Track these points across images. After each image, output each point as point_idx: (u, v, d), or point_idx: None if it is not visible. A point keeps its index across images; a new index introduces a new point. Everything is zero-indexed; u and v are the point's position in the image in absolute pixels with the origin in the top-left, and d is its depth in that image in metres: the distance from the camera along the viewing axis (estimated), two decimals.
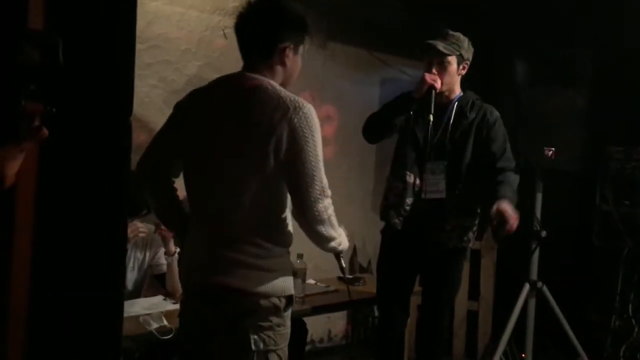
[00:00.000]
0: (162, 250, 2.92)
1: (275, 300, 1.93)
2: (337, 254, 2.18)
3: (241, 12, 1.95)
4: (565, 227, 3.97)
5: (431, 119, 2.77)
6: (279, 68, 1.95)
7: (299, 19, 1.97)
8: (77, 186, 1.43)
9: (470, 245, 2.99)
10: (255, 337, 1.89)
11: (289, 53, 1.94)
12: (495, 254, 4.08)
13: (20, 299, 1.35)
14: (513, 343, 3.70)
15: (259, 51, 1.94)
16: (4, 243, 1.33)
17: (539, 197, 3.69)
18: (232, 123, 1.87)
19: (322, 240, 2.00)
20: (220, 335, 1.91)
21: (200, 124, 1.92)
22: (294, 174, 1.88)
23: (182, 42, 3.33)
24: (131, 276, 2.86)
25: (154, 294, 2.89)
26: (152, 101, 3.24)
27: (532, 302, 3.66)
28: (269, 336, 1.91)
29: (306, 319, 3.32)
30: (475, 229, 2.96)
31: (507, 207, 2.67)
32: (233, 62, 3.48)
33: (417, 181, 2.86)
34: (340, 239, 2.06)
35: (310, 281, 3.42)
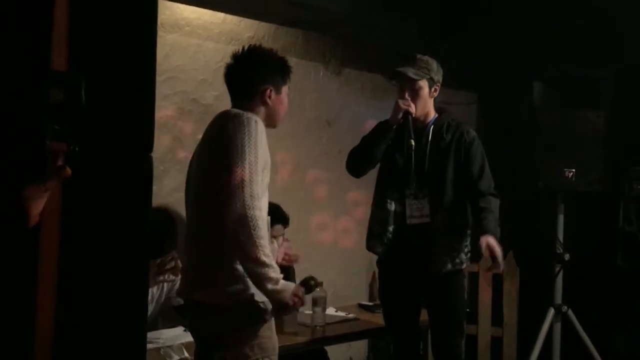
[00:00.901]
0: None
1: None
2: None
3: (227, 64, 2.26)
4: (589, 249, 3.90)
5: (412, 143, 2.78)
6: (261, 108, 2.21)
7: (277, 64, 2.24)
8: (100, 224, 1.43)
9: (464, 266, 2.95)
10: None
11: (271, 94, 2.20)
12: (518, 278, 4.01)
13: (45, 338, 1.34)
14: None
15: (243, 94, 2.22)
16: (29, 283, 1.33)
17: (561, 219, 3.64)
18: (202, 149, 2.18)
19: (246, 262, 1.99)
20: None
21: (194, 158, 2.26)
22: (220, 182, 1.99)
23: (199, 73, 3.36)
24: (149, 309, 2.84)
25: (173, 326, 2.86)
26: (169, 132, 3.25)
27: (558, 327, 3.59)
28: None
29: (327, 348, 3.29)
30: (467, 250, 2.91)
31: (493, 243, 2.69)
32: None
33: (399, 208, 2.85)
34: (275, 265, 1.97)
35: (331, 309, 3.38)
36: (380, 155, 2.89)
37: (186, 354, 2.55)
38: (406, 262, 2.84)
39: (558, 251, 3.61)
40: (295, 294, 1.97)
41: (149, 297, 2.84)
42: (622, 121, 3.70)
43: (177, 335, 2.73)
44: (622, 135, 3.73)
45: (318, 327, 3.04)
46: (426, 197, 2.82)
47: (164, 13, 3.17)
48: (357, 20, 3.65)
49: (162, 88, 3.16)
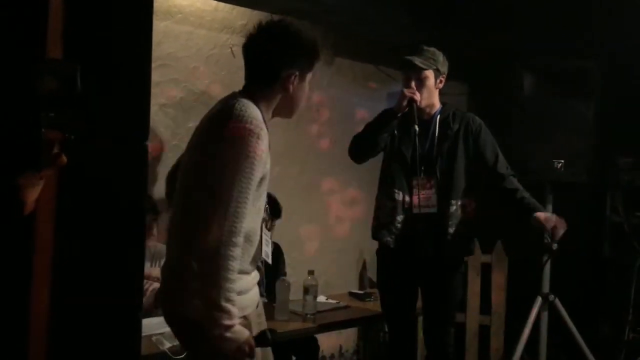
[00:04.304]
0: None
1: None
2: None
3: (251, 33, 1.89)
4: (577, 239, 3.94)
5: (417, 129, 2.80)
6: (279, 95, 1.89)
7: (309, 46, 1.90)
8: (96, 210, 1.44)
9: (473, 254, 3.01)
10: None
11: (294, 80, 1.88)
12: (507, 267, 4.06)
13: (40, 326, 1.35)
14: (526, 357, 3.67)
15: (263, 75, 1.88)
16: (24, 269, 1.34)
17: (549, 209, 3.67)
18: (193, 143, 1.83)
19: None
20: None
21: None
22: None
23: (191, 61, 3.35)
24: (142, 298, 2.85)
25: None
26: (161, 119, 3.25)
27: (545, 316, 3.63)
28: None
29: (317, 336, 3.32)
30: (474, 240, 2.97)
31: (550, 216, 2.84)
32: (241, 79, 3.53)
33: (407, 198, 2.87)
34: (234, 310, 1.68)
35: (321, 298, 3.41)
36: (383, 143, 2.89)
37: (177, 342, 2.56)
38: (409, 250, 2.87)
39: (546, 241, 3.65)
40: (240, 348, 1.71)
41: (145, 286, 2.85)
42: (611, 112, 3.74)
43: None
44: (610, 126, 3.77)
45: (309, 315, 3.07)
46: (434, 187, 2.84)
47: (156, 0, 3.16)
48: (349, 11, 3.65)
49: (153, 75, 3.11)
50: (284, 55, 1.86)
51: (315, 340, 3.40)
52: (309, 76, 1.93)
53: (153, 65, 3.17)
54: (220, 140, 1.71)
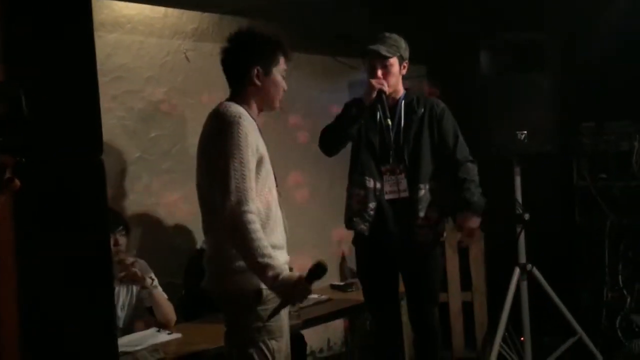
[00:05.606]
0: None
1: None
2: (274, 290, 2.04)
3: (222, 47, 2.24)
4: (548, 208, 4.01)
5: (389, 123, 2.81)
6: (251, 89, 2.20)
7: (265, 43, 2.20)
8: (55, 231, 1.41)
9: (444, 238, 3.04)
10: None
11: (259, 74, 2.18)
12: (483, 242, 4.10)
13: (10, 346, 1.32)
14: (511, 328, 3.72)
15: (233, 77, 2.23)
16: None
17: (518, 180, 3.72)
18: (199, 149, 2.21)
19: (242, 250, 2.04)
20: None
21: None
22: (212, 179, 2.09)
23: (145, 70, 3.30)
24: (121, 314, 2.81)
25: (149, 327, 2.84)
26: (121, 133, 3.20)
27: (524, 285, 3.68)
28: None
29: (304, 331, 3.31)
30: (445, 220, 3.00)
31: (469, 223, 2.89)
32: (198, 84, 3.51)
33: (378, 185, 2.89)
34: (273, 262, 1.99)
35: None
36: (354, 133, 2.90)
37: (162, 354, 2.54)
38: (389, 237, 2.88)
39: (518, 212, 3.70)
40: (296, 288, 1.99)
41: (120, 303, 2.81)
42: (568, 81, 3.79)
43: (151, 336, 2.71)
44: (569, 93, 3.83)
45: (292, 312, 3.06)
46: (403, 173, 2.85)
47: (102, 12, 3.10)
48: (303, 4, 3.63)
49: (108, 89, 3.10)
50: (244, 53, 2.19)
51: (302, 337, 3.39)
52: (275, 69, 2.21)
53: (107, 78, 3.14)
54: (214, 138, 2.09)
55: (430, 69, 4.58)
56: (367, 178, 2.90)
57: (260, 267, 1.97)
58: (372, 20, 3.89)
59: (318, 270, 2.00)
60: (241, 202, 1.98)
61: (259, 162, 2.11)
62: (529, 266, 3.66)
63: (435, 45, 4.26)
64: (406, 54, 2.92)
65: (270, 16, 3.70)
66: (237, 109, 2.12)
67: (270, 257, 1.98)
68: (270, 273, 1.97)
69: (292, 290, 2.00)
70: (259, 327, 2.10)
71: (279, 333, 2.16)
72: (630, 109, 3.79)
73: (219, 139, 2.06)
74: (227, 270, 2.10)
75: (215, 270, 2.18)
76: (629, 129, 3.84)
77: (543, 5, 3.90)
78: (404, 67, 2.93)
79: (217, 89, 3.62)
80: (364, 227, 2.90)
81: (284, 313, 2.18)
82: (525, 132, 3.55)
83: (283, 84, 2.26)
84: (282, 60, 2.23)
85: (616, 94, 3.76)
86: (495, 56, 3.65)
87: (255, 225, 1.99)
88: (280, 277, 1.97)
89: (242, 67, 2.18)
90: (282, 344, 2.17)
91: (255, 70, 2.17)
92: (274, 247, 2.08)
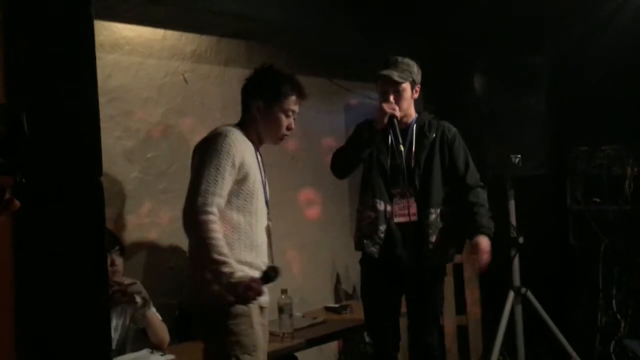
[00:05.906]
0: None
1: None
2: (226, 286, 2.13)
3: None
4: (542, 230, 4.02)
5: (402, 149, 2.82)
6: (252, 121, 2.37)
7: (273, 81, 2.38)
8: (54, 252, 1.41)
9: (454, 261, 3.05)
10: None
11: (259, 109, 2.36)
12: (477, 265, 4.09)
13: None
14: (505, 353, 3.71)
15: (242, 105, 2.44)
16: None
17: (512, 204, 3.75)
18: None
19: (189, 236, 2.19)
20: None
21: None
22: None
23: (143, 91, 3.32)
24: (114, 335, 2.79)
25: (141, 348, 2.82)
26: (119, 152, 3.21)
27: (519, 309, 3.69)
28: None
29: (298, 353, 3.30)
30: (455, 244, 3.00)
31: (484, 244, 2.84)
32: (195, 105, 3.53)
33: (388, 208, 2.89)
34: (229, 260, 2.09)
35: (297, 314, 3.40)
36: (365, 157, 2.92)
37: None
38: (393, 259, 2.88)
39: (512, 235, 3.72)
40: (248, 286, 2.07)
41: (113, 325, 2.79)
42: (562, 104, 3.83)
43: (145, 357, 2.69)
44: (562, 117, 3.87)
45: (286, 334, 3.05)
46: (413, 196, 2.86)
47: (102, 34, 3.13)
48: (298, 28, 3.67)
49: (107, 109, 3.12)
50: (251, 88, 2.41)
51: (296, 358, 3.38)
52: (278, 107, 2.35)
53: (105, 99, 3.16)
54: (201, 145, 2.29)
55: (426, 92, 4.62)
56: (377, 200, 2.91)
57: (216, 263, 2.06)
58: (368, 42, 3.93)
59: (271, 274, 2.14)
60: (206, 203, 2.09)
61: (244, 179, 2.22)
62: (523, 289, 3.66)
63: (431, 67, 4.31)
64: (418, 78, 2.93)
65: (266, 39, 3.74)
66: (232, 128, 2.29)
67: (226, 256, 2.07)
68: (226, 269, 2.06)
69: (246, 289, 2.08)
70: (231, 342, 2.15)
71: (253, 348, 2.19)
72: (623, 133, 3.83)
73: (204, 146, 2.23)
74: (200, 285, 2.18)
75: (191, 285, 2.27)
76: (622, 153, 3.87)
77: (537, 30, 3.96)
78: (416, 91, 2.95)
79: (214, 110, 3.69)
80: (374, 249, 2.91)
81: (259, 328, 2.20)
82: (520, 155, 3.58)
83: (286, 122, 2.36)
84: (290, 100, 2.36)
85: (610, 118, 3.80)
86: (490, 79, 3.70)
87: (215, 225, 2.08)
88: (236, 274, 2.06)
89: (246, 99, 2.40)
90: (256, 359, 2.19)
91: (257, 105, 2.35)
92: (239, 262, 2.15)
